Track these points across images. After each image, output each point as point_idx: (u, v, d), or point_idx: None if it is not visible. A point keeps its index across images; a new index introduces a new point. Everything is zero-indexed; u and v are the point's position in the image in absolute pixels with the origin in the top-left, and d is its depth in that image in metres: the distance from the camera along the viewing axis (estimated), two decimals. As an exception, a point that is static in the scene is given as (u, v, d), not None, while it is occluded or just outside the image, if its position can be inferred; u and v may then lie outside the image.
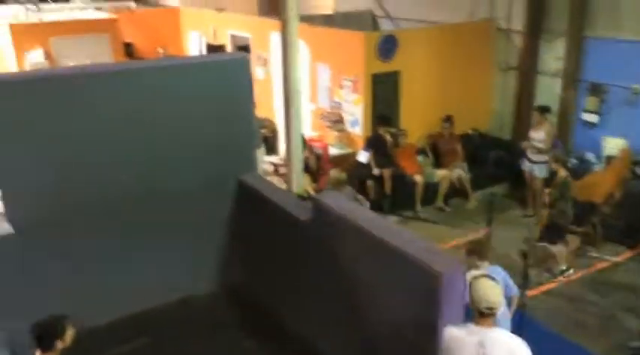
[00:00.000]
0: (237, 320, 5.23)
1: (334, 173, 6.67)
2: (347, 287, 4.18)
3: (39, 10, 11.46)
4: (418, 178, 7.87)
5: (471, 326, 3.20)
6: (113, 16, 11.94)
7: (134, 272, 5.07)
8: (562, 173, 6.38)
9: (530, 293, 5.17)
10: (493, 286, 3.17)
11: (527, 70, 8.57)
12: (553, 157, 6.70)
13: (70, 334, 3.63)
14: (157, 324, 5.07)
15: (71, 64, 10.92)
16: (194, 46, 12.98)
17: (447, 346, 3.26)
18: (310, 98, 9.22)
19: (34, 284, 4.58)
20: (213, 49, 11.62)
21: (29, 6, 11.32)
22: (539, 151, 7.43)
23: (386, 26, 10.81)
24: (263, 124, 9.14)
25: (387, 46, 8.20)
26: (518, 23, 8.61)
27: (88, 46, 10.99)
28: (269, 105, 9.99)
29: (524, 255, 4.79)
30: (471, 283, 3.19)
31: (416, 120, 8.54)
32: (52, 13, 12.00)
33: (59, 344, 3.59)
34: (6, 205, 4.53)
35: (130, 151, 4.89)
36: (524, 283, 4.70)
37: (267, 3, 13.85)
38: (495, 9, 8.93)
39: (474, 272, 3.27)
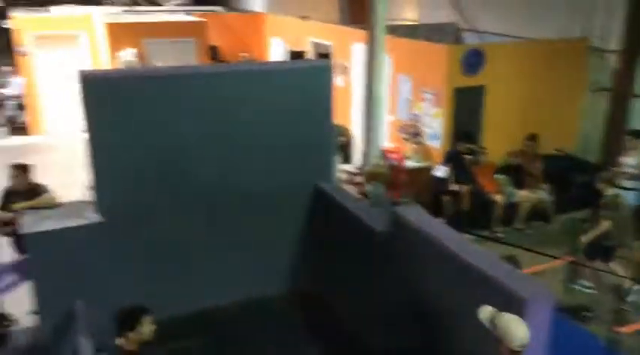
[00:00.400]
0: (304, 326, 5.22)
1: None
2: (420, 305, 4.07)
3: (133, 11, 12.00)
4: (498, 197, 7.61)
5: None
6: (202, 19, 12.35)
7: (208, 269, 5.18)
8: (609, 192, 5.97)
9: (621, 329, 4.83)
10: (519, 320, 2.91)
11: (622, 92, 8.11)
12: (600, 177, 6.30)
13: (147, 326, 3.72)
14: (224, 322, 5.15)
15: (159, 64, 11.41)
16: (276, 51, 13.21)
17: None
18: (389, 109, 9.14)
19: (116, 272, 4.75)
20: (294, 55, 11.79)
21: (125, 7, 11.88)
22: (631, 177, 7.00)
23: (470, 40, 10.58)
24: (340, 132, 9.15)
25: (473, 60, 8.00)
26: (614, 43, 8.17)
27: (176, 48, 11.42)
28: (346, 114, 9.99)
29: (618, 290, 4.48)
30: (493, 321, 2.94)
31: (498, 137, 8.26)
32: (145, 15, 12.56)
33: (132, 335, 3.68)
34: (97, 194, 4.75)
35: (214, 151, 5.02)
36: (616, 318, 4.39)
37: (349, 13, 13.92)
38: (591, 26, 8.52)
39: (487, 307, 3.04)
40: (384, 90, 6.22)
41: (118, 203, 4.77)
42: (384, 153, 7.46)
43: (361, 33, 8.33)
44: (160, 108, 4.75)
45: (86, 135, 4.61)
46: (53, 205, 4.97)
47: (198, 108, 4.89)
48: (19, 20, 11.66)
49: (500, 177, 7.97)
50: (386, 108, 8.60)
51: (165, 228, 4.97)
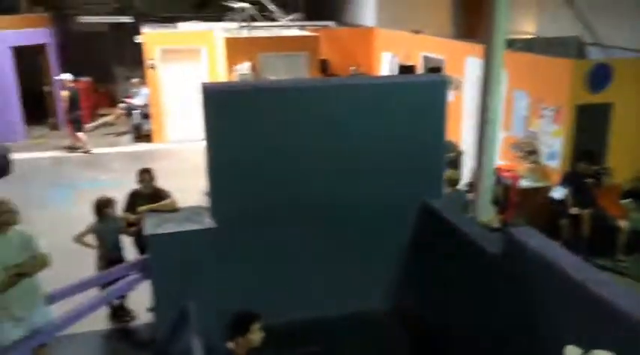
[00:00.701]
0: (405, 343, 5.11)
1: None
2: (534, 332, 3.81)
3: (251, 27, 12.54)
4: (622, 223, 7.01)
5: None
6: (314, 34, 12.64)
7: (314, 279, 5.20)
8: None
9: None
10: None
11: None
12: None
13: (257, 333, 3.79)
14: (327, 334, 5.12)
15: (272, 78, 11.82)
16: (386, 65, 13.21)
17: None
18: (503, 125, 8.77)
19: (227, 277, 4.92)
20: (403, 69, 11.71)
21: (243, 23, 12.44)
22: None
23: (594, 55, 9.92)
24: (449, 148, 8.92)
25: (599, 76, 7.48)
26: None
27: (289, 61, 11.78)
28: (455, 129, 9.73)
29: None
30: None
31: (625, 159, 7.65)
32: (261, 30, 13.08)
33: (242, 340, 3.77)
34: (213, 201, 4.95)
35: (324, 163, 5.06)
36: None
37: (463, 26, 13.61)
38: None
39: (573, 347, 2.87)
40: (499, 105, 5.97)
41: (232, 210, 4.94)
42: (496, 172, 7.16)
43: (476, 47, 8.10)
44: (275, 120, 4.87)
45: (205, 144, 4.84)
46: (173, 209, 5.26)
47: (310, 120, 4.96)
48: (148, 35, 12.62)
49: (627, 201, 7.35)
50: (500, 125, 8.27)
51: (275, 237, 5.06)
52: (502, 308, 4.17)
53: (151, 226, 4.85)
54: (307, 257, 5.19)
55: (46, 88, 13.92)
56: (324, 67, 13.18)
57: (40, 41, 13.45)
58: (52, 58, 13.87)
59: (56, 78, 13.03)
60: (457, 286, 4.88)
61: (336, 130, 5.04)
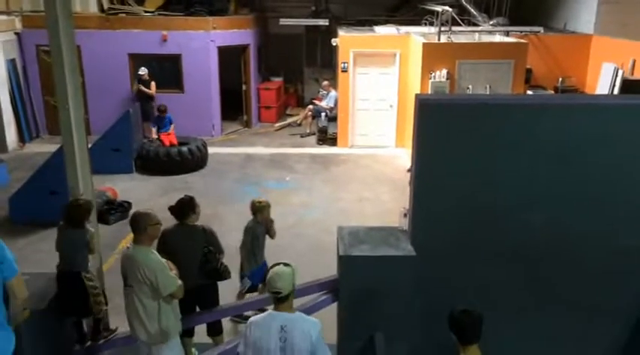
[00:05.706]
0: None
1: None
2: None
3: (451, 32, 11.78)
4: None
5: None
6: (523, 41, 11.47)
7: (517, 335, 4.36)
8: None
9: None
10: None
11: None
12: None
13: None
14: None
15: (469, 87, 10.95)
16: (605, 79, 11.50)
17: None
18: None
19: (419, 311, 4.37)
20: (630, 84, 10.04)
21: (443, 28, 11.72)
22: None
23: None
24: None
25: None
26: None
27: (491, 70, 10.81)
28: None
29: None
30: None
31: None
32: (461, 36, 12.24)
33: None
34: (414, 226, 4.37)
35: (550, 198, 4.20)
36: None
37: None
38: None
39: None
40: None
41: (435, 238, 4.32)
42: None
43: None
44: (496, 141, 4.14)
45: (413, 160, 4.28)
46: None
47: (537, 145, 4.12)
48: (343, 38, 12.51)
49: None
50: None
51: (476, 277, 4.35)
52: None
53: (346, 246, 4.42)
54: (513, 306, 4.38)
55: (244, 87, 14.60)
56: (526, 77, 11.94)
57: (244, 42, 14.12)
58: (251, 57, 14.49)
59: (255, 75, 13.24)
60: None
61: (570, 159, 4.13)
